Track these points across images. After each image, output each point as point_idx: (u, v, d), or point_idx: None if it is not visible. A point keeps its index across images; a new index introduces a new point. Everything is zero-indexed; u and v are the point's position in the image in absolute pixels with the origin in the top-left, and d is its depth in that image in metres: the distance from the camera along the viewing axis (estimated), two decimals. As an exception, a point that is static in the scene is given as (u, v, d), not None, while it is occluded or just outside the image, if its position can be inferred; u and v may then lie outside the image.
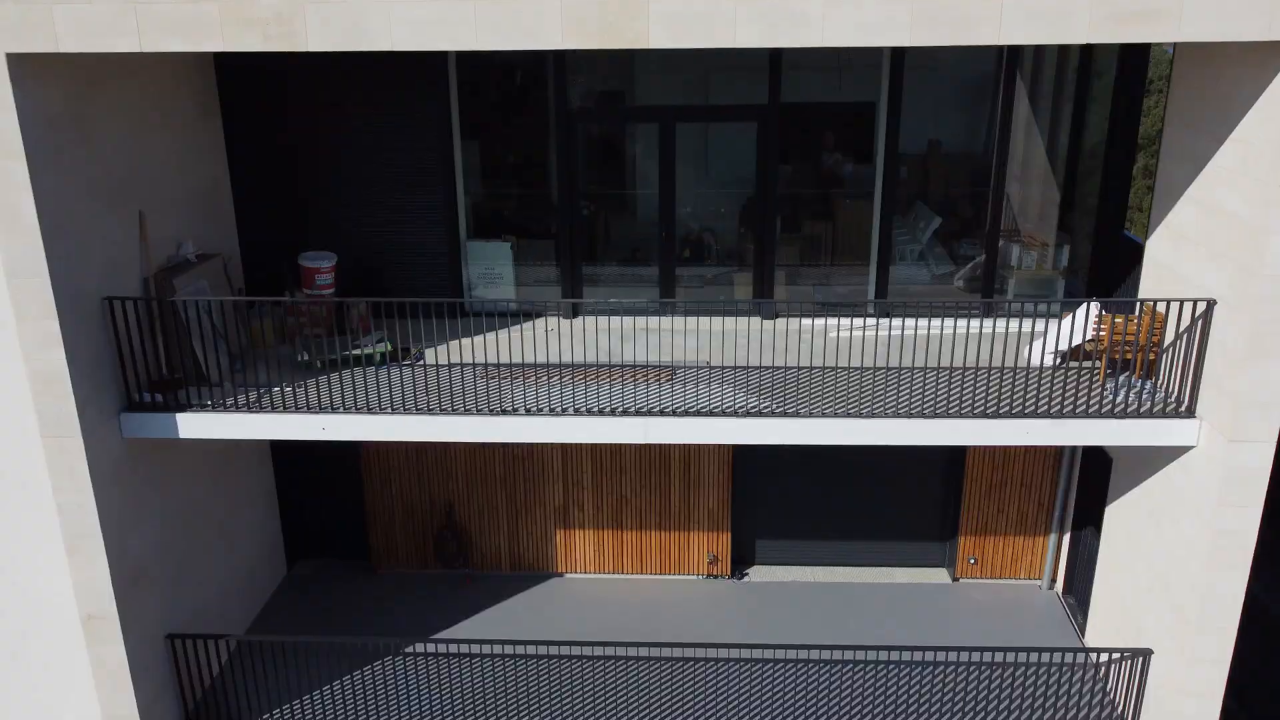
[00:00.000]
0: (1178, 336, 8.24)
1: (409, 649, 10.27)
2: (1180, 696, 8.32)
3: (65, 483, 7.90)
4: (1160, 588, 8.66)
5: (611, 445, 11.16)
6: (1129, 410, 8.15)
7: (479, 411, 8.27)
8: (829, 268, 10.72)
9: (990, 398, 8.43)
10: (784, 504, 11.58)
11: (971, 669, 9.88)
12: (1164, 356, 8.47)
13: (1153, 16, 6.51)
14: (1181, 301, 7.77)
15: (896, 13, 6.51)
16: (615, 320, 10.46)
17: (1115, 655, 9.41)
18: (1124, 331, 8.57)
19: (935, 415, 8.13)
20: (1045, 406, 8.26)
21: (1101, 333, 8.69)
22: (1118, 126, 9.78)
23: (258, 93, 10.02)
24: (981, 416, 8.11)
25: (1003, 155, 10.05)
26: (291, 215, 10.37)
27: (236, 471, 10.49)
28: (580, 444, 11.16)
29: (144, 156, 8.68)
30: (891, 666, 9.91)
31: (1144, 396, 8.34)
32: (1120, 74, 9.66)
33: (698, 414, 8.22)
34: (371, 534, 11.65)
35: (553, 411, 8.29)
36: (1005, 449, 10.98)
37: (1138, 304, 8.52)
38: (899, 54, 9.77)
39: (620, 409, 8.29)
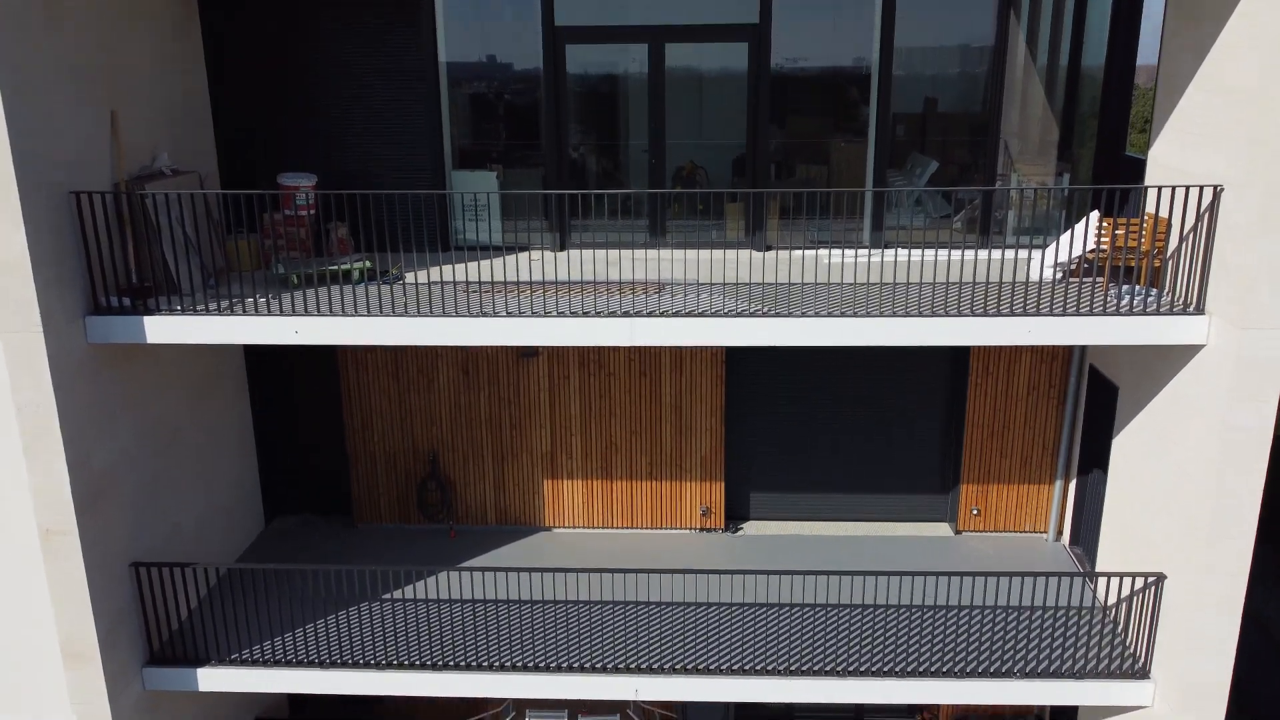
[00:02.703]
0: (1182, 239, 7.95)
1: (387, 595, 9.82)
2: (1198, 614, 7.87)
3: (24, 379, 7.55)
4: (1172, 506, 8.26)
5: (601, 386, 10.80)
6: (1135, 310, 7.83)
7: (459, 314, 7.95)
8: (824, 217, 10.44)
9: (991, 304, 8.11)
10: (779, 454, 11.19)
11: (974, 612, 9.42)
12: (1170, 261, 8.17)
13: None
14: (1188, 188, 7.49)
15: None
16: (603, 253, 10.18)
17: (1126, 580, 8.97)
18: (1126, 239, 8.28)
19: (935, 314, 7.81)
20: (1049, 309, 7.94)
21: (1104, 241, 8.39)
22: (1115, 48, 9.60)
23: (239, 11, 9.85)
24: (983, 315, 7.78)
25: (997, 104, 9.83)
26: (272, 139, 10.14)
27: (212, 407, 10.13)
28: (569, 384, 10.81)
29: (118, 57, 8.47)
30: (893, 611, 9.45)
31: (1150, 301, 8.02)
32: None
33: (687, 315, 7.90)
34: (353, 484, 11.24)
35: (535, 314, 7.96)
36: (1008, 383, 10.60)
37: (1143, 192, 8.24)
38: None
39: (606, 311, 7.97)
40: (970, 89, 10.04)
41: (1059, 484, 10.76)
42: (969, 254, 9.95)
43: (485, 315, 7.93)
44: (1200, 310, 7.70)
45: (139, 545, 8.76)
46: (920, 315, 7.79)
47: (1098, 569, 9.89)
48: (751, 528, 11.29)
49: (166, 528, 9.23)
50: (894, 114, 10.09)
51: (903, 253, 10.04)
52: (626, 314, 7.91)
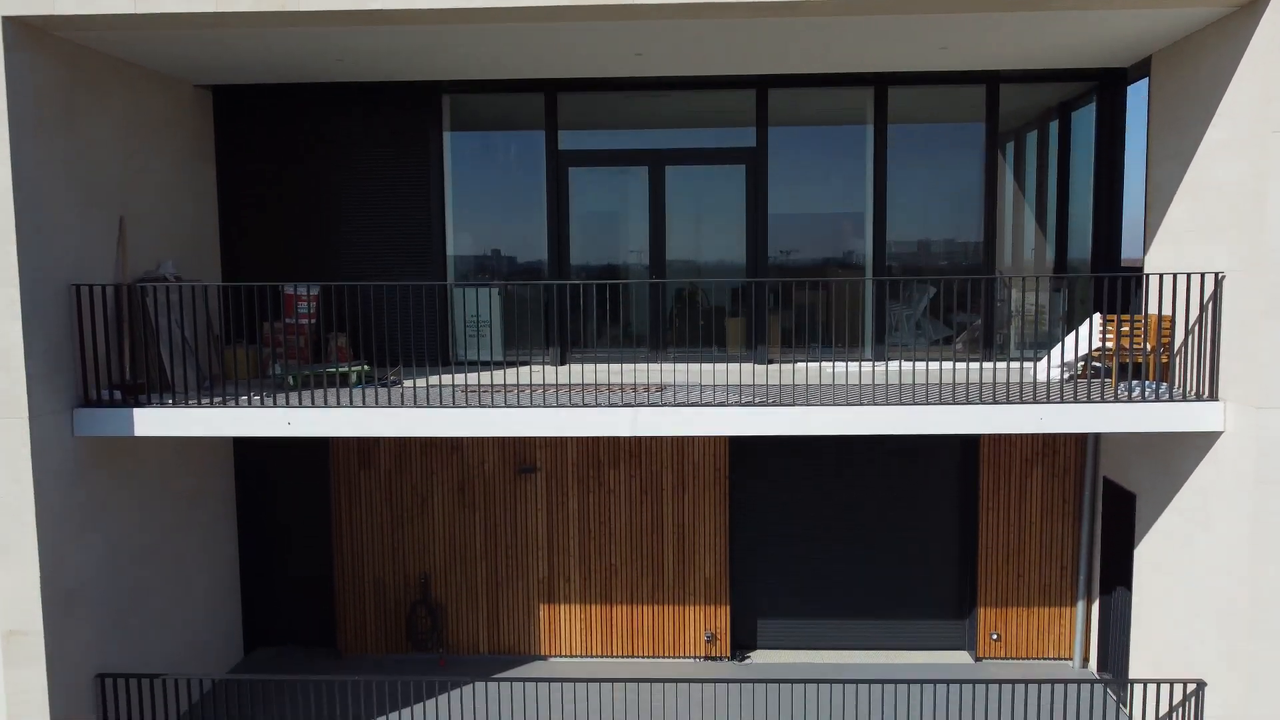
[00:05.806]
0: (1188, 332, 7.91)
1: (381, 718, 9.16)
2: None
3: (3, 471, 7.28)
4: (1205, 610, 7.82)
5: (600, 505, 10.46)
6: (1147, 398, 7.68)
7: (456, 405, 7.78)
8: (823, 345, 10.44)
9: (1001, 395, 7.96)
10: (787, 578, 10.72)
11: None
12: (1177, 356, 8.09)
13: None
14: (1189, 275, 7.50)
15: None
16: (605, 367, 10.11)
17: (1165, 698, 8.37)
18: (1131, 336, 8.23)
19: (943, 402, 7.65)
20: (1059, 398, 7.79)
21: (1109, 340, 8.34)
22: (1102, 160, 9.88)
23: (252, 134, 10.18)
24: (991, 402, 7.62)
25: (991, 232, 10.07)
26: (276, 253, 10.25)
27: (197, 524, 9.76)
28: (568, 504, 10.47)
29: (131, 165, 8.67)
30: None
31: (1161, 394, 7.88)
32: (1100, 117, 9.87)
33: (688, 405, 7.73)
34: (339, 612, 10.69)
35: (535, 405, 7.79)
36: (1020, 500, 10.27)
37: (1144, 290, 8.25)
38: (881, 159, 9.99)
39: (607, 402, 7.81)
40: (965, 212, 10.26)
41: (1081, 605, 10.26)
42: (973, 365, 9.88)
43: (484, 406, 7.76)
44: (1214, 397, 7.55)
45: (106, 659, 8.22)
46: (929, 404, 7.63)
47: (1129, 692, 9.25)
48: (759, 656, 10.66)
49: (138, 649, 8.69)
50: (890, 241, 10.26)
51: (906, 364, 9.96)
52: (628, 405, 7.75)
